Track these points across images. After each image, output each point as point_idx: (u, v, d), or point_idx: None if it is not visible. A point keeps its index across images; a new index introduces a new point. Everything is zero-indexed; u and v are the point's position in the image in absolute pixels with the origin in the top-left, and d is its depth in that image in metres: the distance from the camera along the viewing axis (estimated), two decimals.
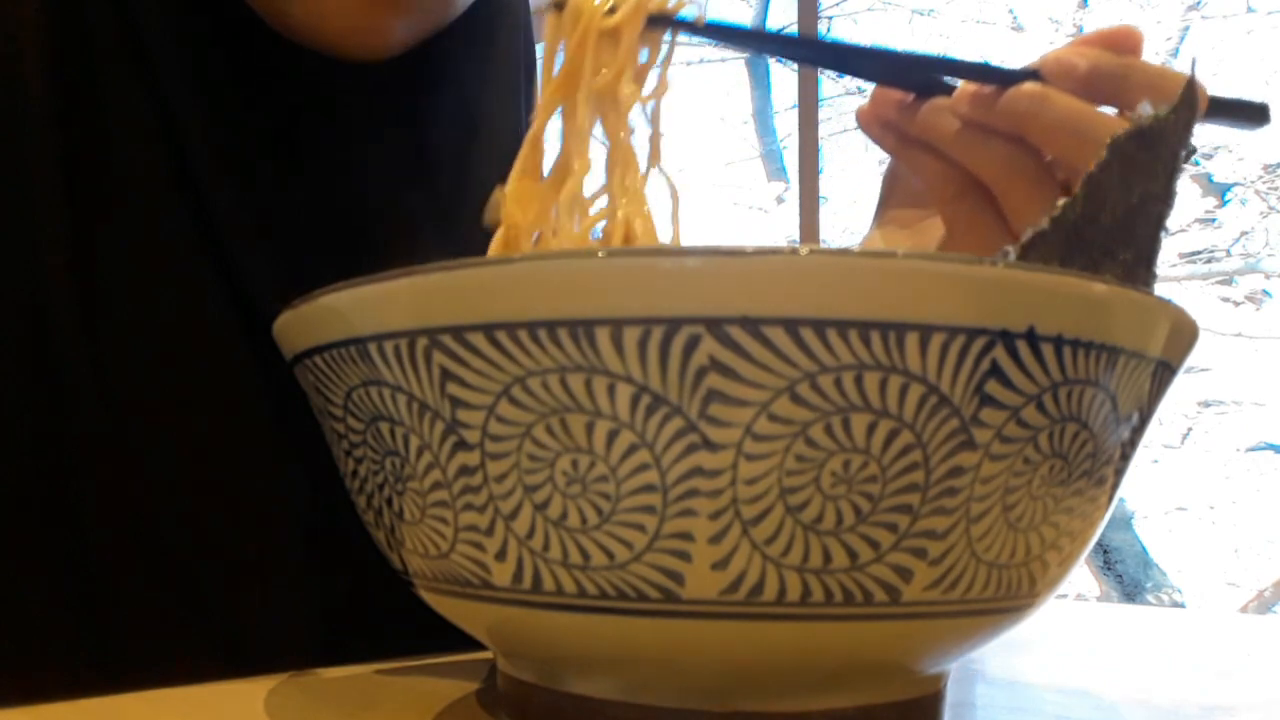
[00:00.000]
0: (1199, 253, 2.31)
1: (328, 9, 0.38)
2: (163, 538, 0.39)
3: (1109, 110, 0.36)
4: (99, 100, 0.39)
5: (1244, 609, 2.24)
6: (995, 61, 0.37)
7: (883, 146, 0.41)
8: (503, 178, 0.37)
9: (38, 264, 0.38)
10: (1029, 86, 0.36)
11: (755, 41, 0.38)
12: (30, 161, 0.38)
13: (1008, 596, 0.22)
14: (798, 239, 2.48)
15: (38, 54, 0.38)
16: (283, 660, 0.36)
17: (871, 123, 0.41)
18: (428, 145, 0.47)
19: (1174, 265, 2.31)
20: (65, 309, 0.38)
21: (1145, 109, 0.26)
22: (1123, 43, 0.36)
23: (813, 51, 0.39)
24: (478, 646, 0.27)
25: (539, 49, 0.40)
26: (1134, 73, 0.35)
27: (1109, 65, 0.35)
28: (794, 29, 2.53)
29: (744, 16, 2.95)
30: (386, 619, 0.41)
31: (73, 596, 0.38)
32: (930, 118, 0.38)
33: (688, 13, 0.35)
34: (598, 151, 0.35)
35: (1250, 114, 0.36)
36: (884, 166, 0.47)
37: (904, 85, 0.39)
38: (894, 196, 0.45)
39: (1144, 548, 2.37)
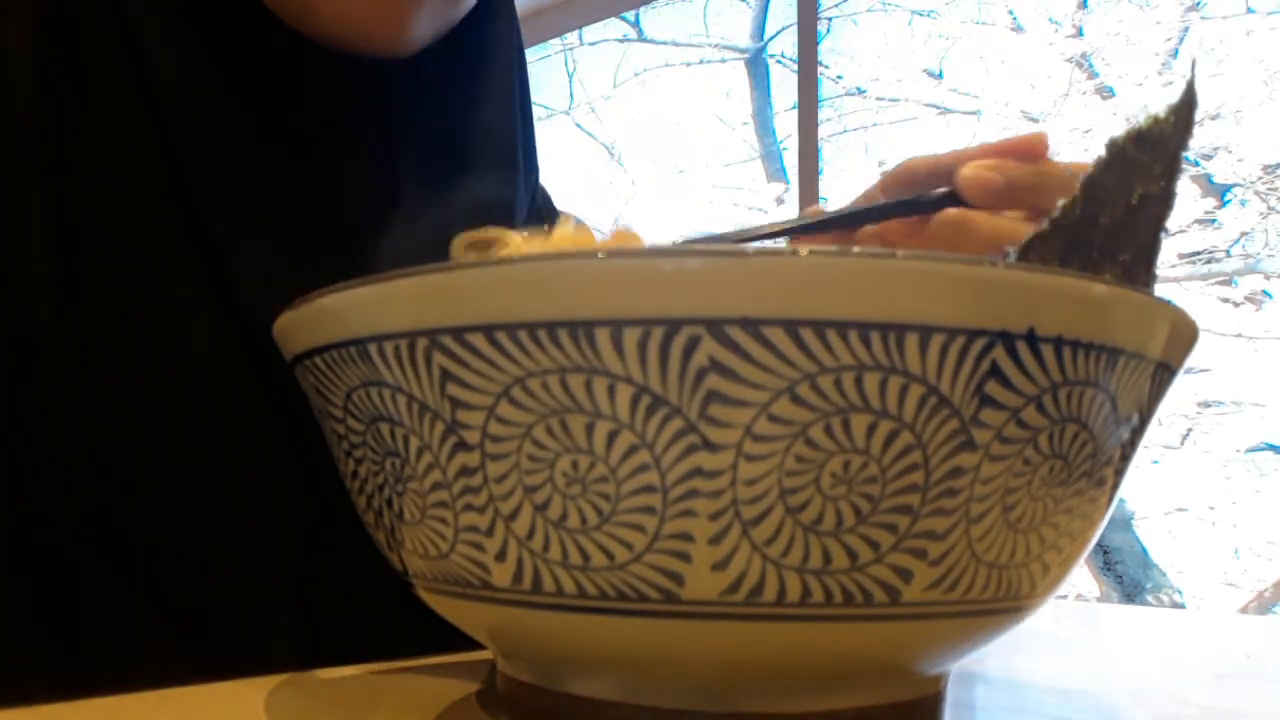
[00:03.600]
0: (1199, 253, 2.31)
1: (353, 2, 0.39)
2: (143, 541, 0.39)
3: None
4: (89, 100, 0.39)
5: (1244, 609, 2.24)
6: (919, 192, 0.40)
7: None
8: (500, 183, 0.38)
9: (21, 266, 0.38)
10: (951, 213, 0.38)
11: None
12: (16, 162, 0.38)
13: (1008, 597, 0.22)
14: None
15: (28, 57, 0.38)
16: (264, 664, 0.36)
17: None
18: (424, 154, 0.47)
19: (1174, 266, 2.31)
20: (49, 310, 0.38)
21: (1145, 111, 0.26)
22: (1032, 150, 0.38)
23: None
24: (477, 646, 0.27)
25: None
26: (1048, 178, 0.37)
27: (1023, 176, 0.37)
28: (794, 29, 2.53)
29: (744, 16, 2.95)
30: (372, 624, 0.41)
31: (47, 601, 0.38)
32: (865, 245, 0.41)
33: None
34: None
35: None
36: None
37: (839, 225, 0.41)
38: None
39: (1144, 548, 2.37)
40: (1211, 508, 2.32)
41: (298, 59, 0.42)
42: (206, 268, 0.41)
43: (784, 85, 2.83)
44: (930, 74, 2.60)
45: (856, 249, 0.19)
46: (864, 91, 2.61)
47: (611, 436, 0.20)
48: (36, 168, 0.38)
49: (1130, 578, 2.37)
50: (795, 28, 2.51)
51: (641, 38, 3.08)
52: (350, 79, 0.43)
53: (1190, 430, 2.33)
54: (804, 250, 0.19)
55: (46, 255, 0.38)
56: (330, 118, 0.44)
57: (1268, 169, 2.26)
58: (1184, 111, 0.27)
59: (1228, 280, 2.32)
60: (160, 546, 0.39)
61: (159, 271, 0.40)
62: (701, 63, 2.94)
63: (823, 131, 2.43)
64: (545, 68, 3.07)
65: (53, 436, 0.38)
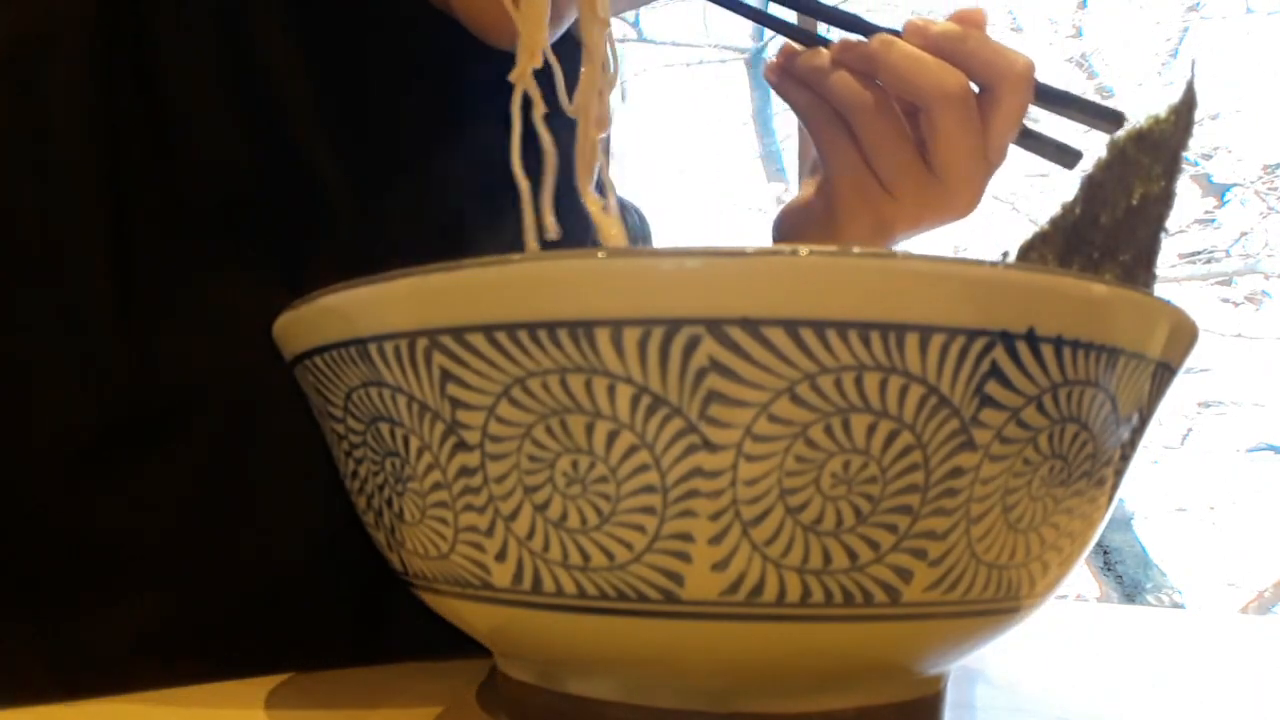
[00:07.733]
0: (1198, 253, 2.32)
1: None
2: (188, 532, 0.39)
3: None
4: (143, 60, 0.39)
5: (1244, 609, 2.24)
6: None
7: (779, 92, 0.49)
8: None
9: (74, 253, 0.38)
10: (882, 36, 0.44)
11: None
12: (71, 142, 0.38)
13: (1008, 597, 0.22)
14: None
15: (90, 26, 0.38)
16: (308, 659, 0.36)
17: (772, 71, 0.49)
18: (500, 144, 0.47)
19: (1174, 266, 2.31)
20: (101, 298, 0.38)
21: (1146, 112, 0.27)
22: (971, 19, 0.45)
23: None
24: (476, 646, 0.27)
25: None
26: (970, 39, 0.44)
27: (952, 31, 0.44)
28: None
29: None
30: (407, 617, 0.41)
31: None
32: (807, 59, 0.46)
33: None
34: None
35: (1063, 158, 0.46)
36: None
37: (797, 38, 0.47)
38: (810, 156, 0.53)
39: (1144, 548, 2.37)
40: (1211, 508, 2.32)
41: (411, 38, 0.42)
42: (269, 251, 0.41)
43: None
44: None
45: (856, 249, 0.19)
46: None
47: (611, 437, 0.20)
48: (86, 135, 0.38)
49: (1130, 578, 2.37)
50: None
51: (641, 38, 3.08)
52: (455, 64, 0.44)
53: (1190, 430, 2.33)
54: (804, 250, 0.19)
55: (97, 242, 0.38)
56: (427, 103, 0.44)
57: (1268, 169, 2.26)
58: (1184, 111, 0.27)
59: (1228, 280, 2.32)
60: (201, 529, 0.40)
61: (211, 250, 0.40)
62: (701, 63, 2.94)
63: None
64: None
65: (100, 419, 0.38)
